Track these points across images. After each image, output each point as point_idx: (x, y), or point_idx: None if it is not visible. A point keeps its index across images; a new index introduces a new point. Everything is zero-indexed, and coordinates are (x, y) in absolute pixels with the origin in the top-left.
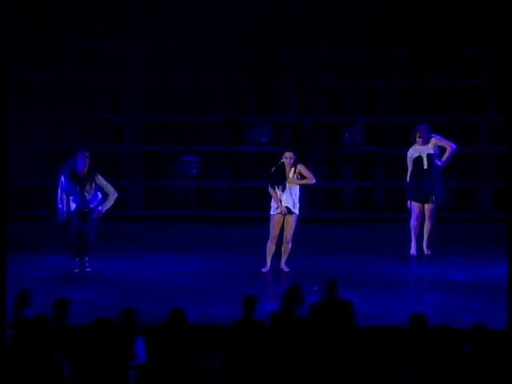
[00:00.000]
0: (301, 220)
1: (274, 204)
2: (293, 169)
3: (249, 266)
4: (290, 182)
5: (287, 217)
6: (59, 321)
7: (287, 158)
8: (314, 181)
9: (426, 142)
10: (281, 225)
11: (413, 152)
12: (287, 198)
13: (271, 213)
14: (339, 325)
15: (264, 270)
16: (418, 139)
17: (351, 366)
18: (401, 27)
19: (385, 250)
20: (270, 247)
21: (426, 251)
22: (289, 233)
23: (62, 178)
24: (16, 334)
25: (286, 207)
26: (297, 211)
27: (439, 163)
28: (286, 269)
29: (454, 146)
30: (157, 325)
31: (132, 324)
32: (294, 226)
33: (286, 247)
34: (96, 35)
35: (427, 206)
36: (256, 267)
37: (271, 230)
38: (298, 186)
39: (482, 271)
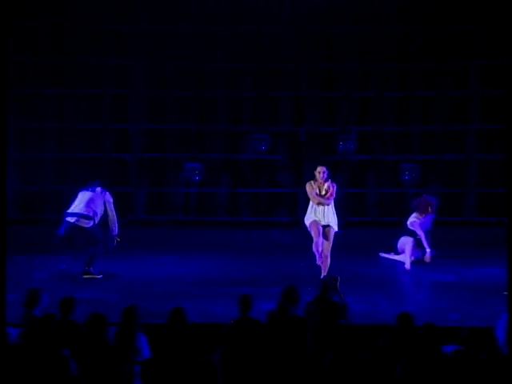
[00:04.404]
0: (296, 223)
1: (307, 215)
2: (326, 183)
3: (247, 267)
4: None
5: (327, 230)
6: (66, 318)
7: (320, 172)
8: (330, 201)
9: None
10: (319, 232)
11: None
12: (327, 214)
13: (306, 223)
14: (331, 323)
15: (317, 262)
16: (429, 210)
17: (343, 362)
18: (391, 43)
19: (376, 252)
20: (315, 245)
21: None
22: (326, 248)
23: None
24: (26, 332)
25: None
26: (335, 227)
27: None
28: None
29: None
30: (160, 323)
31: (133, 321)
32: (331, 240)
33: (326, 262)
34: (104, 50)
35: None
36: (253, 268)
37: (313, 236)
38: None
39: (468, 272)
